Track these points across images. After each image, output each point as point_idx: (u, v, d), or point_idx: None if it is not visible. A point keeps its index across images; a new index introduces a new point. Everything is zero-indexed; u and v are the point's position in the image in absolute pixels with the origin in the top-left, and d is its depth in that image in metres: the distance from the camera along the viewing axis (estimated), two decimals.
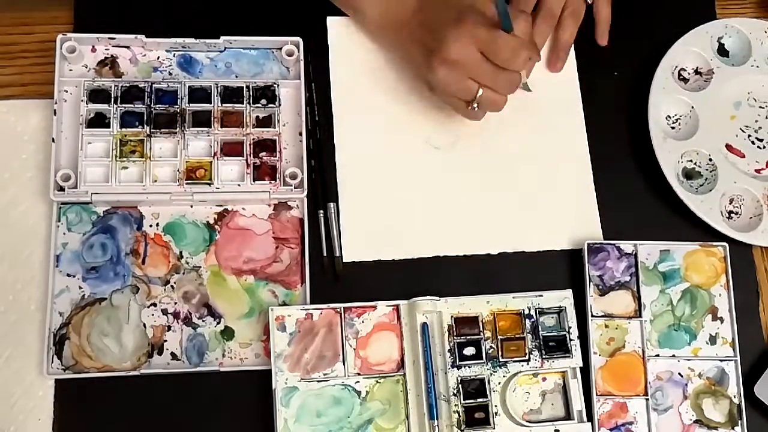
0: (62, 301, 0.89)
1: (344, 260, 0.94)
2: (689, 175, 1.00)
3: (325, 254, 0.94)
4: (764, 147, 1.03)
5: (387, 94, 1.00)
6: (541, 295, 0.92)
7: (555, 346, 0.91)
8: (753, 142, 1.03)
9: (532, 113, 1.01)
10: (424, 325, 0.89)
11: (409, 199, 0.97)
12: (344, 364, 0.89)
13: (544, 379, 0.92)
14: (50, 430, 0.87)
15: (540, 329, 0.91)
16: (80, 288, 0.90)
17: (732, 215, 0.99)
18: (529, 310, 0.92)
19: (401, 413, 0.88)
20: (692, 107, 1.01)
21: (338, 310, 0.90)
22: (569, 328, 0.91)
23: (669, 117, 1.02)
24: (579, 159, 1.01)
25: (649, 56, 1.03)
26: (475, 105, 0.90)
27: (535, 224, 0.98)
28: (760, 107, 1.04)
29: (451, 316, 0.90)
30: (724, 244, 0.96)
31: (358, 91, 1.00)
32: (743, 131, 1.03)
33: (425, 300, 0.89)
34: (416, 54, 0.92)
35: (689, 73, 1.05)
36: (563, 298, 0.92)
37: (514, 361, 0.90)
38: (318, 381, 0.88)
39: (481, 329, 0.90)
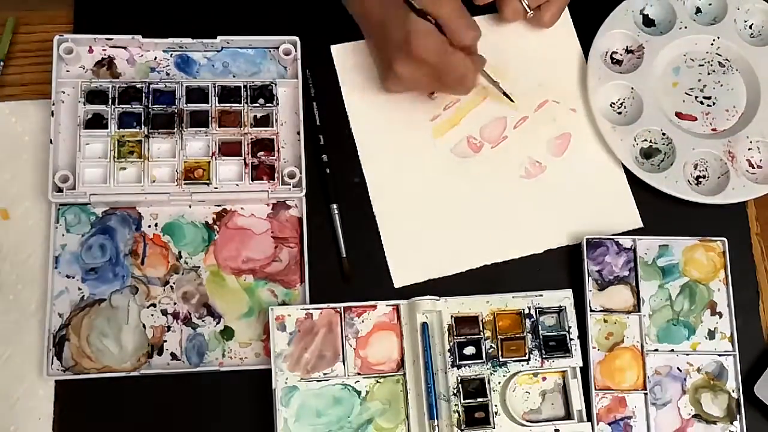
0: (61, 302, 0.95)
1: (396, 285, 1.01)
2: (648, 154, 1.07)
3: (343, 254, 1.00)
4: (714, 104, 1.09)
5: (403, 113, 1.06)
6: (541, 295, 0.97)
7: (555, 346, 0.96)
8: (701, 102, 1.09)
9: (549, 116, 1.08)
10: (424, 325, 0.94)
11: (443, 213, 1.04)
12: (344, 364, 0.94)
13: (544, 379, 0.97)
14: (50, 430, 0.93)
15: (540, 329, 0.96)
16: (79, 289, 0.95)
17: (700, 180, 1.06)
18: (529, 309, 0.97)
19: (401, 413, 0.94)
20: (632, 88, 1.08)
21: (338, 309, 0.95)
22: (569, 327, 0.96)
23: (613, 104, 1.08)
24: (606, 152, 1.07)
25: (580, 46, 1.10)
26: (433, 98, 1.03)
27: (572, 218, 1.05)
28: (699, 65, 1.10)
29: (451, 316, 0.95)
30: (723, 239, 1.02)
31: (375, 114, 1.06)
32: (689, 94, 1.09)
33: (425, 299, 0.94)
34: (376, 54, 1.02)
35: (621, 54, 1.11)
36: (563, 297, 0.97)
37: (514, 361, 0.95)
38: (318, 381, 0.93)
39: (481, 329, 0.95)
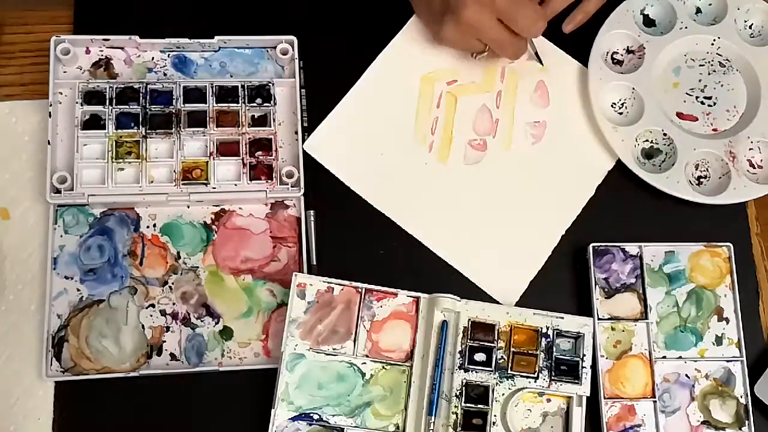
0: (60, 303, 0.96)
1: (305, 148, 1.02)
2: (649, 154, 1.07)
3: (313, 262, 1.01)
4: (714, 104, 1.10)
5: (400, 162, 1.07)
6: (562, 317, 0.96)
7: (566, 371, 0.96)
8: (702, 102, 1.10)
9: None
10: (444, 323, 0.95)
11: (490, 224, 1.05)
12: (355, 344, 0.95)
13: (548, 401, 0.96)
14: (50, 430, 0.93)
15: (554, 350, 0.96)
16: (78, 290, 0.96)
17: (701, 180, 1.06)
18: (547, 329, 0.96)
19: (401, 403, 0.94)
20: (633, 89, 1.09)
21: (360, 289, 0.96)
22: (584, 355, 0.96)
23: (614, 104, 1.09)
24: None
25: (579, 46, 1.11)
26: (478, 58, 1.03)
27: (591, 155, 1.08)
28: (700, 65, 1.11)
29: (469, 319, 0.96)
30: (729, 244, 1.02)
31: (372, 178, 1.06)
32: (689, 95, 1.10)
33: (447, 297, 0.95)
34: (430, 9, 1.02)
35: (622, 55, 1.12)
36: (583, 325, 0.97)
37: (522, 376, 0.94)
38: (326, 354, 0.95)
39: (496, 338, 0.95)
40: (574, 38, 1.11)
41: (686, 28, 1.11)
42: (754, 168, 1.07)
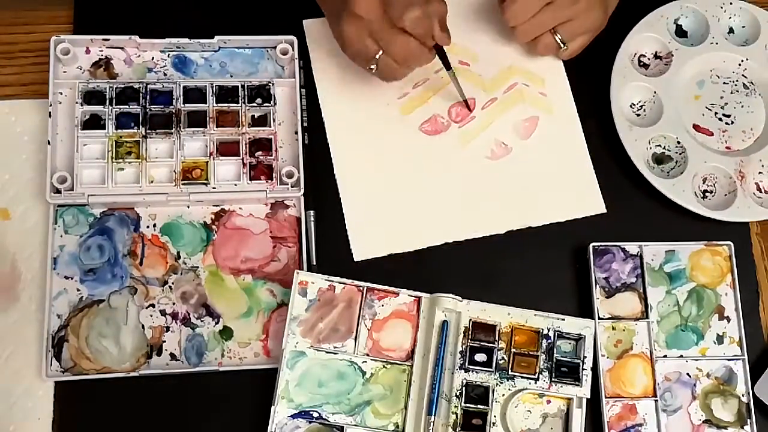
0: (60, 303, 0.96)
1: (355, 259, 1.02)
2: (659, 159, 1.08)
3: (313, 262, 1.02)
4: (732, 123, 1.11)
5: (373, 87, 1.08)
6: (563, 319, 0.97)
7: (566, 372, 0.96)
8: (720, 119, 1.11)
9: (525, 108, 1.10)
10: (445, 323, 0.95)
11: (408, 189, 1.05)
12: (356, 342, 0.96)
13: (548, 402, 0.97)
14: (50, 430, 0.94)
15: (555, 352, 0.96)
16: (78, 290, 0.97)
17: (707, 194, 1.07)
18: (548, 331, 0.97)
19: (401, 402, 0.95)
20: (654, 92, 1.10)
21: (361, 288, 0.97)
22: (584, 357, 0.97)
23: (633, 105, 1.10)
24: (573, 137, 1.10)
25: (608, 44, 1.10)
26: (373, 67, 0.98)
27: (535, 200, 1.06)
28: (724, 83, 1.12)
29: (470, 320, 0.96)
30: (729, 243, 1.03)
31: (344, 89, 1.08)
32: (709, 109, 1.11)
33: (448, 297, 0.96)
34: (331, 5, 1.01)
35: (649, 58, 1.13)
36: (584, 326, 0.98)
37: (523, 377, 0.96)
38: (327, 352, 0.95)
39: (497, 339, 0.96)
40: (600, 39, 1.10)
41: (717, 44, 1.12)
42: (761, 192, 1.08)
